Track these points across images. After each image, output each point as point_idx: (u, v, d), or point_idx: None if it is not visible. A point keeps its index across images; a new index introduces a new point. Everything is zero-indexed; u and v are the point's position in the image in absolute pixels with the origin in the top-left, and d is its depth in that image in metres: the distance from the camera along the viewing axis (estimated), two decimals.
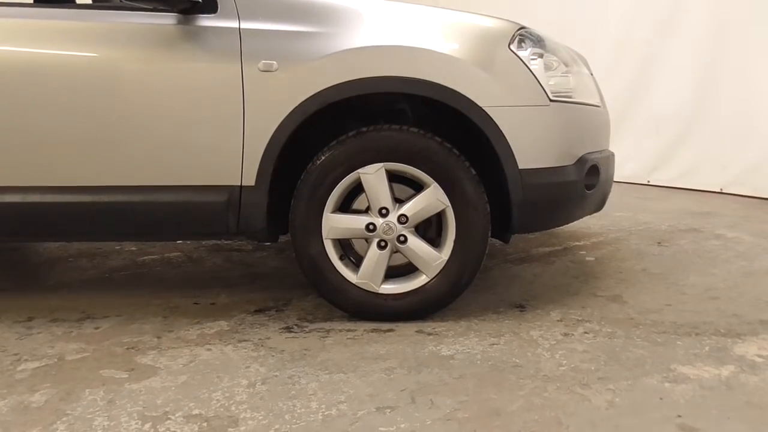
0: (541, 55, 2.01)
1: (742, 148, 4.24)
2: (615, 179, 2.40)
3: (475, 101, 1.91)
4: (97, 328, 2.03)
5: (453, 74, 1.92)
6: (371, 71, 1.92)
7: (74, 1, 2.69)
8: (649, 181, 4.89)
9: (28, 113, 2.00)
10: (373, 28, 1.97)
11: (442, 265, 2.00)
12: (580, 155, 2.07)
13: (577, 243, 3.03)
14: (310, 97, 1.92)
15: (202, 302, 2.27)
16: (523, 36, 2.01)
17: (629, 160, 4.71)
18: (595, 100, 2.22)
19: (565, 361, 1.71)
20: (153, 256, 2.93)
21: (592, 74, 2.31)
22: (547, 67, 2.01)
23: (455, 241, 1.99)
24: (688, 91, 4.54)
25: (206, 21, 1.98)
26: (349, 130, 2.00)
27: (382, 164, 1.97)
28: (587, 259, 2.77)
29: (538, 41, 2.04)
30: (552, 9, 5.25)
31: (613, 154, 2.34)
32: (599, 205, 2.29)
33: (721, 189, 4.41)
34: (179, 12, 1.98)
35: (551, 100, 1.98)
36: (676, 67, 4.63)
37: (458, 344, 1.84)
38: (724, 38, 4.28)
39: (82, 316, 2.14)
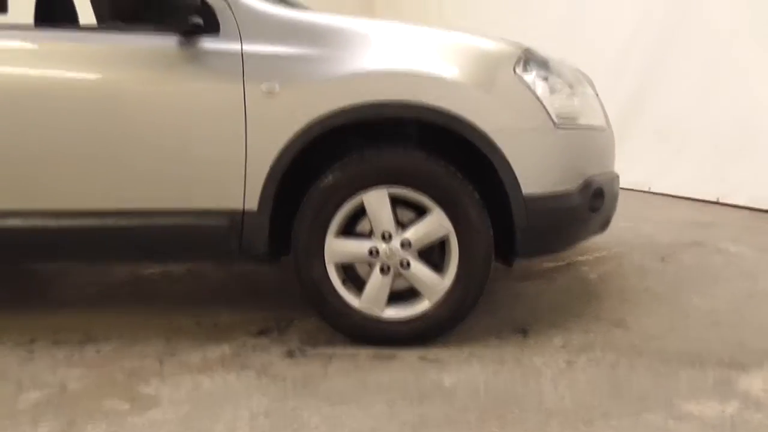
0: (545, 78, 1.99)
1: (741, 159, 4.23)
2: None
3: (479, 126, 1.90)
4: (98, 351, 2.03)
5: (456, 99, 1.90)
6: (374, 96, 1.91)
7: (77, 22, 2.68)
8: (650, 188, 4.88)
9: (28, 136, 1.99)
10: (376, 52, 1.95)
11: (445, 291, 1.99)
12: (585, 178, 2.06)
13: (580, 258, 3.02)
14: (313, 120, 1.91)
15: (204, 322, 2.27)
16: (527, 58, 1.99)
17: (631, 168, 4.68)
18: (600, 122, 2.20)
19: (567, 393, 1.70)
20: (153, 270, 2.92)
21: (597, 95, 2.29)
22: (552, 90, 2.00)
23: (458, 267, 1.98)
24: (689, 100, 4.53)
25: (208, 42, 1.96)
26: (352, 151, 1.99)
27: (385, 188, 1.96)
28: (590, 276, 2.76)
29: (542, 64, 2.02)
30: (554, 19, 5.24)
31: (617, 176, 2.32)
32: (603, 227, 2.28)
33: (718, 199, 4.39)
34: (181, 34, 1.96)
35: (556, 125, 1.96)
36: (677, 76, 4.63)
37: (461, 372, 1.84)
38: (725, 49, 4.27)
39: (83, 338, 2.13)
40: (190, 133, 1.97)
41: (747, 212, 4.08)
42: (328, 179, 1.97)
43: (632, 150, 4.75)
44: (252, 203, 1.98)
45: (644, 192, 4.88)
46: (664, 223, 3.81)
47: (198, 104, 1.95)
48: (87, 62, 2.00)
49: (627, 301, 2.43)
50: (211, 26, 1.96)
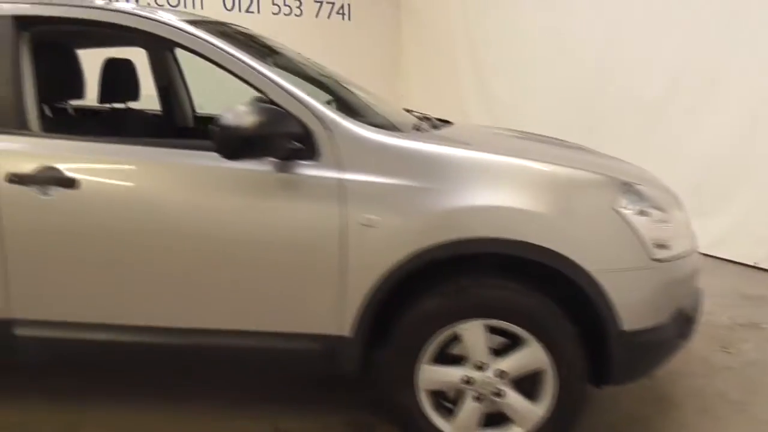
0: (644, 212, 1.97)
1: None
2: None
3: (582, 265, 1.88)
4: None
5: (559, 237, 1.89)
6: (476, 232, 1.89)
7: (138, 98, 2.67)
8: None
9: (122, 253, 1.99)
10: (479, 185, 1.93)
11: (540, 420, 1.98)
12: (677, 307, 2.04)
13: None
14: (413, 253, 1.89)
15: (280, 426, 2.25)
16: (626, 192, 1.98)
17: None
18: (690, 245, 2.19)
19: None
20: None
21: (684, 212, 2.27)
22: (649, 224, 1.98)
23: (553, 396, 1.97)
24: (727, 156, 4.41)
25: (306, 169, 1.94)
26: (445, 280, 1.97)
27: (481, 320, 1.95)
28: (657, 372, 2.74)
29: (640, 196, 2.00)
30: (589, 59, 5.16)
31: (702, 291, 2.31)
32: (687, 342, 2.27)
33: (756, 263, 4.30)
34: (279, 158, 1.94)
35: (653, 260, 1.95)
36: (715, 131, 4.49)
37: None
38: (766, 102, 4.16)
39: None
40: (285, 259, 1.95)
41: None
42: (424, 309, 1.96)
43: None
44: (346, 330, 1.97)
45: None
46: (716, 295, 3.78)
47: (295, 231, 1.94)
48: (183, 182, 1.99)
49: (704, 411, 2.42)
50: (310, 152, 1.94)
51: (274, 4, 6.71)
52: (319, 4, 7.02)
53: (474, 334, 1.95)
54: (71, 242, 1.98)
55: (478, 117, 6.23)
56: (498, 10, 6.14)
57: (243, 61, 2.00)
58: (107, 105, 2.88)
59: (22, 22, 2.07)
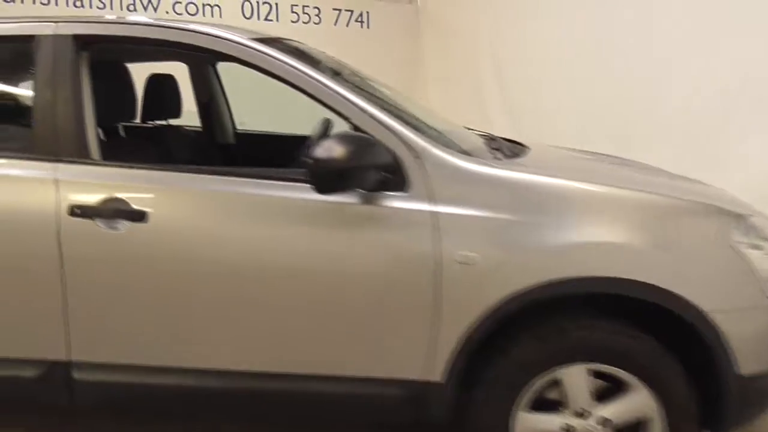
0: (756, 246, 1.84)
1: None
2: None
3: (696, 304, 1.74)
4: None
5: (668, 274, 1.74)
6: (583, 270, 1.74)
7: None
8: None
9: (198, 292, 1.84)
10: (583, 219, 1.79)
11: None
12: None
13: None
14: (514, 294, 1.74)
15: None
16: (740, 224, 1.84)
17: None
18: None
19: None
20: None
21: None
22: (763, 258, 1.84)
23: None
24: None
25: (395, 201, 1.79)
26: (545, 319, 1.83)
27: (584, 365, 1.80)
28: None
29: (753, 228, 1.86)
30: (635, 80, 5.01)
31: None
32: None
33: None
34: (364, 189, 1.79)
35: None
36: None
37: None
38: None
39: None
40: (375, 298, 1.80)
41: None
42: (521, 351, 1.81)
43: None
44: (437, 375, 1.82)
45: None
46: None
47: (385, 268, 1.79)
48: (264, 216, 1.84)
49: None
50: (400, 182, 1.79)
51: (293, 11, 6.56)
52: (337, 11, 6.87)
53: (575, 379, 1.81)
54: (140, 280, 1.82)
55: (501, 130, 6.07)
56: (527, 22, 6.00)
57: (326, 85, 1.85)
58: (150, 123, 2.73)
59: (82, 42, 1.92)
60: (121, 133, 2.46)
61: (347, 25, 6.96)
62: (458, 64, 6.88)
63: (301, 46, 2.47)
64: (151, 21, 2.00)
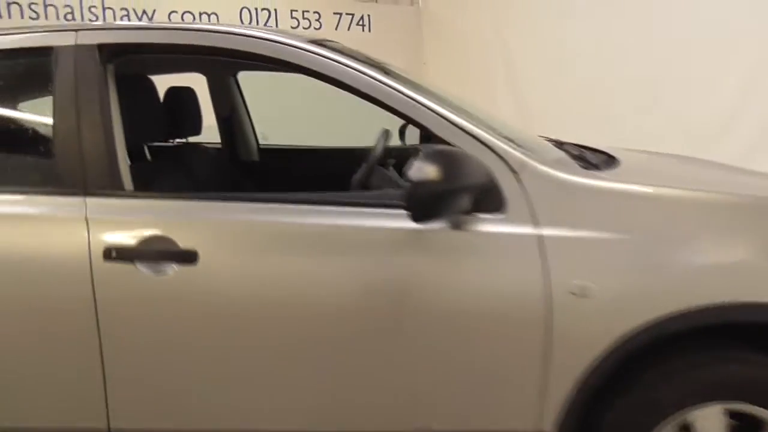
0: None
1: None
2: None
3: None
4: None
5: None
6: (721, 296, 1.47)
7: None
8: None
9: (263, 342, 1.56)
10: (714, 236, 1.52)
11: None
12: None
13: None
14: (638, 328, 1.47)
15: None
16: None
17: None
18: None
19: None
20: None
21: None
22: None
23: None
24: None
25: (491, 225, 1.52)
26: (672, 353, 1.56)
27: (720, 404, 1.54)
28: None
29: None
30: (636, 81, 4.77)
31: None
32: None
33: None
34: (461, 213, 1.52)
35: None
36: None
37: None
38: None
39: None
40: (466, 339, 1.53)
41: None
42: (647, 395, 1.54)
43: None
44: (548, 425, 1.54)
45: None
46: None
47: (484, 304, 1.51)
48: (336, 250, 1.55)
49: None
50: (495, 202, 1.52)
51: (292, 17, 6.28)
52: (338, 16, 6.60)
53: (711, 422, 1.54)
54: (194, 332, 1.54)
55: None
56: (532, 22, 5.75)
57: (406, 94, 1.58)
58: (172, 141, 2.44)
59: (108, 53, 1.63)
60: (147, 155, 2.15)
61: (348, 29, 6.69)
62: (461, 67, 6.63)
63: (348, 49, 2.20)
64: (189, 25, 1.71)
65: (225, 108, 2.83)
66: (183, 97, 2.38)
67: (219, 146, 2.91)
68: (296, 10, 6.32)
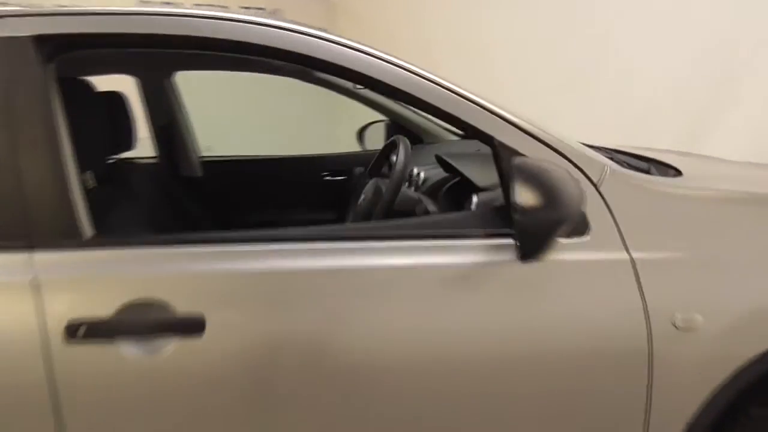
0: None
1: None
2: None
3: None
4: None
5: None
6: None
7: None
8: None
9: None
10: None
11: None
12: None
13: None
14: (752, 359, 1.24)
15: None
16: None
17: None
18: None
19: None
20: None
21: None
22: None
23: None
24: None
25: (575, 251, 1.23)
26: None
27: None
28: None
29: None
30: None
31: None
32: None
33: None
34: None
35: None
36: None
37: None
38: None
39: None
40: (553, 376, 1.24)
41: None
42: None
43: None
44: None
45: None
46: None
47: (574, 344, 1.22)
48: (405, 288, 1.20)
49: None
50: (577, 224, 1.23)
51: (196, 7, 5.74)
52: (246, 9, 6.12)
53: None
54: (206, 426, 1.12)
55: None
56: (449, 14, 5.57)
57: (468, 98, 1.25)
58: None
59: (50, 47, 1.16)
60: (93, 183, 1.65)
61: None
62: None
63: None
64: (170, 11, 1.25)
65: (162, 116, 2.36)
66: (115, 105, 1.90)
67: (154, 161, 2.44)
68: (200, 4, 5.79)
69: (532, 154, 1.23)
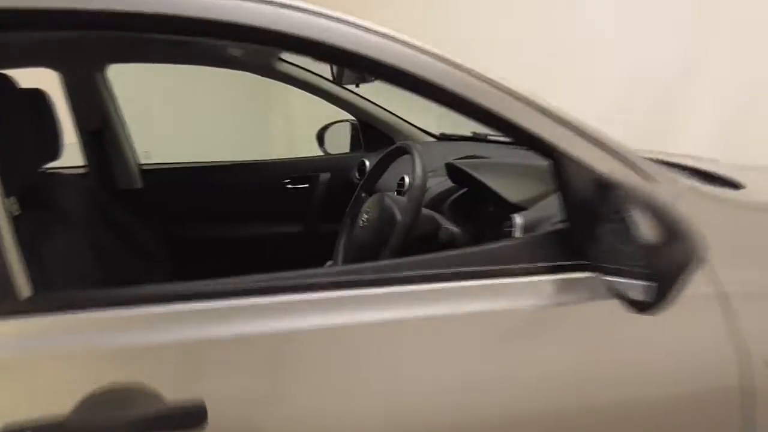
0: None
1: None
2: None
3: None
4: None
5: None
6: None
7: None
8: None
9: None
10: None
11: None
12: None
13: None
14: None
15: None
16: None
17: None
18: None
19: None
20: None
21: None
22: None
23: None
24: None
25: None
26: None
27: None
28: None
29: None
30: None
31: None
32: None
33: None
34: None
35: None
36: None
37: None
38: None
39: None
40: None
41: None
42: None
43: None
44: None
45: None
46: None
47: (662, 387, 1.01)
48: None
49: None
50: None
51: None
52: None
53: None
54: None
55: None
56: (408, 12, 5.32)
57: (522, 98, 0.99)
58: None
59: None
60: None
61: None
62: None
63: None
64: None
65: (92, 119, 1.97)
66: (37, 106, 1.51)
67: (83, 173, 2.04)
68: None
69: (608, 170, 0.99)
